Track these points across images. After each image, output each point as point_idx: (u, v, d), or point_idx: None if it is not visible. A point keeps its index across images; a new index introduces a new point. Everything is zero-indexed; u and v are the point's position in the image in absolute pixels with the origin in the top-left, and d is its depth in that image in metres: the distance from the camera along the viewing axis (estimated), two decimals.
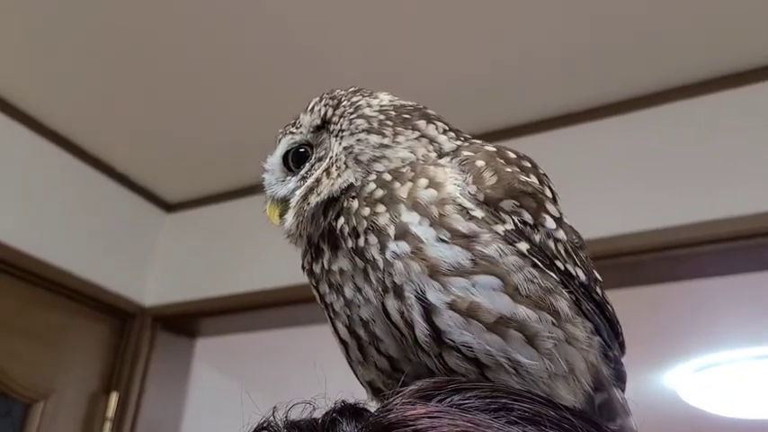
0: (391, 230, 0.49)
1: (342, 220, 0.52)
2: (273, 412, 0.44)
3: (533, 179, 0.52)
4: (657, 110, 1.80)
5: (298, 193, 0.57)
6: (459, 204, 0.49)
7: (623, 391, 0.56)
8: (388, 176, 0.52)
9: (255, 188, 2.36)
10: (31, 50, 1.86)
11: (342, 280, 0.52)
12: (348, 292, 0.52)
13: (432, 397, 0.40)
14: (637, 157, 1.78)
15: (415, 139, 0.55)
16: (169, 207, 2.52)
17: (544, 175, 0.55)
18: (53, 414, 1.99)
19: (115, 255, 2.30)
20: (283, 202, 0.59)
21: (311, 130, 0.59)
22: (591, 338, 0.51)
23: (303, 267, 0.57)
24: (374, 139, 0.54)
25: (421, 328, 0.46)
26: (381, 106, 0.57)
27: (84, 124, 2.14)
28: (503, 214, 0.49)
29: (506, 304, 0.46)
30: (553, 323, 0.47)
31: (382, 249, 0.49)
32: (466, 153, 0.52)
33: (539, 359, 0.46)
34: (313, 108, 0.59)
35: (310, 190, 0.55)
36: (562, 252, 0.52)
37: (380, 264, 0.49)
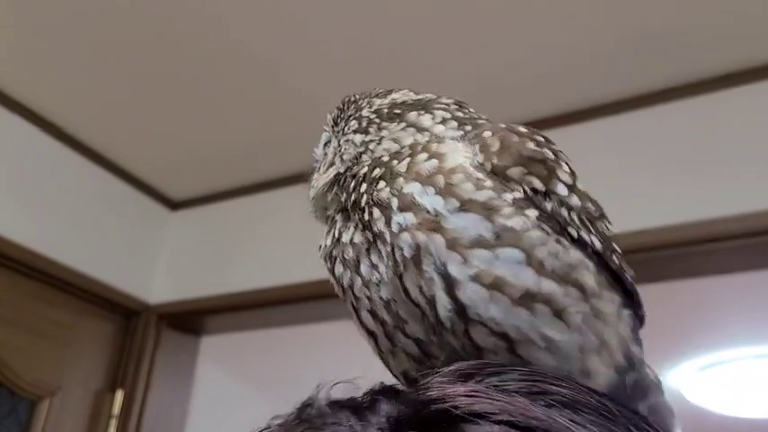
0: (394, 203, 0.48)
1: (344, 195, 0.54)
2: (318, 390, 0.44)
3: (546, 151, 0.51)
4: (672, 105, 1.79)
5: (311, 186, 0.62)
6: (469, 174, 0.48)
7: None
8: (385, 158, 0.53)
9: (261, 186, 2.37)
10: (41, 53, 1.86)
11: (354, 254, 0.51)
12: (364, 269, 0.50)
13: (470, 377, 0.40)
14: (643, 153, 1.78)
15: (401, 129, 0.56)
16: (174, 205, 2.52)
17: (560, 151, 0.54)
18: (59, 411, 1.99)
19: (120, 252, 2.31)
20: None
21: (331, 129, 0.63)
22: (619, 311, 0.50)
23: (320, 247, 0.57)
24: (358, 138, 0.57)
25: (443, 303, 0.45)
26: (380, 105, 0.59)
27: (90, 123, 2.15)
28: (512, 183, 0.48)
29: (531, 278, 0.45)
30: (580, 298, 0.46)
31: (388, 222, 0.48)
32: (476, 131, 0.53)
33: (569, 334, 0.46)
34: (333, 110, 0.64)
35: (311, 185, 0.61)
36: (576, 220, 0.50)
37: (387, 237, 0.48)
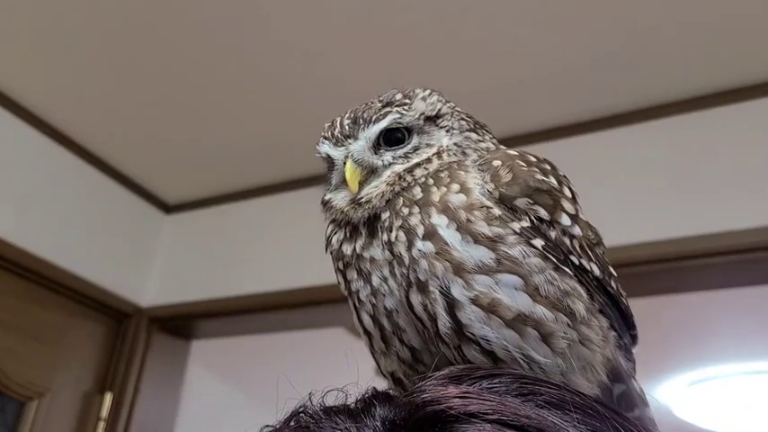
0: (420, 230, 0.52)
1: (387, 213, 0.55)
2: (310, 397, 0.46)
3: (552, 179, 0.55)
4: (666, 121, 1.81)
5: (399, 168, 0.57)
6: (483, 205, 0.52)
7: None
8: (430, 180, 0.55)
9: (256, 191, 2.35)
10: (39, 54, 1.87)
11: (371, 268, 0.54)
12: (375, 280, 0.54)
13: (462, 380, 0.42)
14: (634, 169, 1.79)
15: (490, 139, 0.62)
16: (168, 208, 2.53)
17: (564, 176, 0.58)
18: (47, 412, 1.98)
19: (114, 255, 2.31)
20: (372, 172, 0.58)
21: (420, 117, 0.59)
22: (606, 335, 0.54)
23: (327, 247, 0.59)
24: (474, 136, 0.60)
25: (444, 321, 0.49)
26: (463, 113, 0.63)
27: (87, 125, 2.15)
28: (519, 211, 0.52)
29: (526, 303, 0.49)
30: (568, 324, 0.50)
31: (409, 247, 0.51)
32: (487, 156, 0.57)
33: (552, 357, 0.49)
34: (425, 98, 0.60)
35: (418, 165, 0.56)
36: (577, 248, 0.55)
37: (406, 260, 0.51)
